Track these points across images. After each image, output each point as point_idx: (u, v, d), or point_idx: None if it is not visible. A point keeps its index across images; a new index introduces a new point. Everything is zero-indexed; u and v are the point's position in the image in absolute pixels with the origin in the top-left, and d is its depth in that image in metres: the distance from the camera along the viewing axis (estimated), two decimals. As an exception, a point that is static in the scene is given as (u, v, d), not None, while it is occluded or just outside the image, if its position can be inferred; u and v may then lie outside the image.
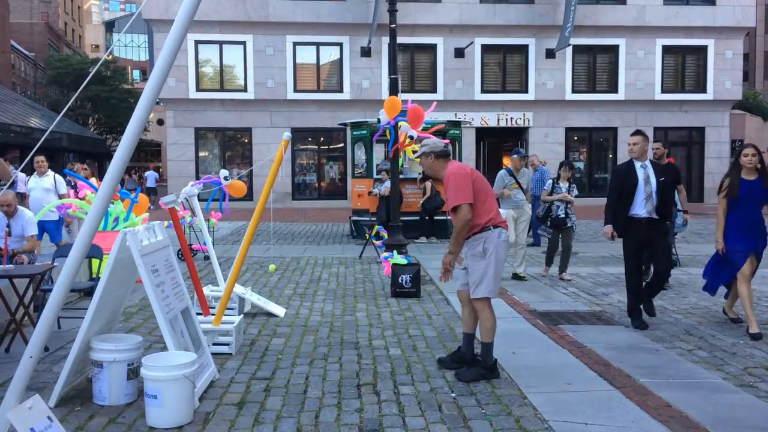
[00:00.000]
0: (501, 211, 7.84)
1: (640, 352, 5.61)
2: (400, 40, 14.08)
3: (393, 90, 10.85)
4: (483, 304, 4.87)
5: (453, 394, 4.55)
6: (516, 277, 9.06)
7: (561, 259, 9.21)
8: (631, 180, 6.40)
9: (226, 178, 7.57)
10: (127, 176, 36.58)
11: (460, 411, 4.25)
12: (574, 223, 9.29)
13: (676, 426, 3.97)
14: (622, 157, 25.26)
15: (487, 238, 4.81)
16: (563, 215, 9.13)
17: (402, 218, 13.38)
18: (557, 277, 9.17)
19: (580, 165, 26.03)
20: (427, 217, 13.68)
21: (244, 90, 24.40)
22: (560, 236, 9.21)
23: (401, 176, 13.76)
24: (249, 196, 23.05)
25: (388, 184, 12.25)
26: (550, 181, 9.39)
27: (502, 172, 9.26)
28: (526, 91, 25.05)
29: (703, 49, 25.55)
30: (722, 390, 4.67)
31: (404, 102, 10.20)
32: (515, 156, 9.11)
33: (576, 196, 9.32)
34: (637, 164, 6.50)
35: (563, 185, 9.27)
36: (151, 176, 28.24)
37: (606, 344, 5.80)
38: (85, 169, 11.56)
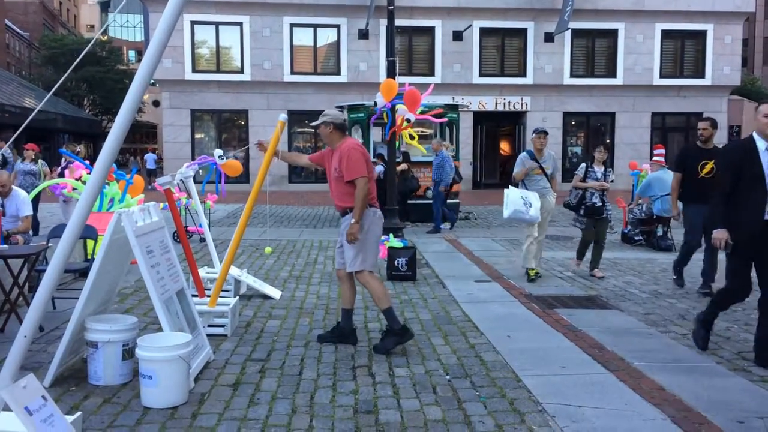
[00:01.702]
0: (534, 194, 7.64)
1: (635, 336, 5.63)
2: (398, 22, 13.96)
3: (390, 73, 10.79)
4: (365, 277, 5.16)
5: (447, 377, 4.56)
6: (529, 275, 7.94)
7: (593, 254, 8.29)
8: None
9: (220, 157, 7.53)
10: (132, 158, 36.70)
11: (454, 393, 4.26)
12: (609, 213, 8.27)
13: (669, 409, 3.99)
14: (619, 142, 25.27)
15: (363, 216, 5.09)
16: (599, 203, 8.08)
17: (413, 201, 13.34)
18: (588, 273, 8.24)
19: (578, 150, 26.01)
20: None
21: (241, 72, 24.24)
22: (594, 227, 8.19)
23: (414, 159, 13.70)
24: (245, 178, 22.99)
25: (381, 168, 12.21)
26: (583, 165, 8.28)
27: (522, 155, 8.04)
28: (525, 75, 24.94)
29: (702, 34, 25.45)
30: (716, 374, 4.70)
31: (401, 85, 10.16)
32: (533, 135, 7.92)
33: (611, 182, 8.27)
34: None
35: (598, 169, 8.16)
36: (150, 158, 28.39)
37: (601, 328, 5.82)
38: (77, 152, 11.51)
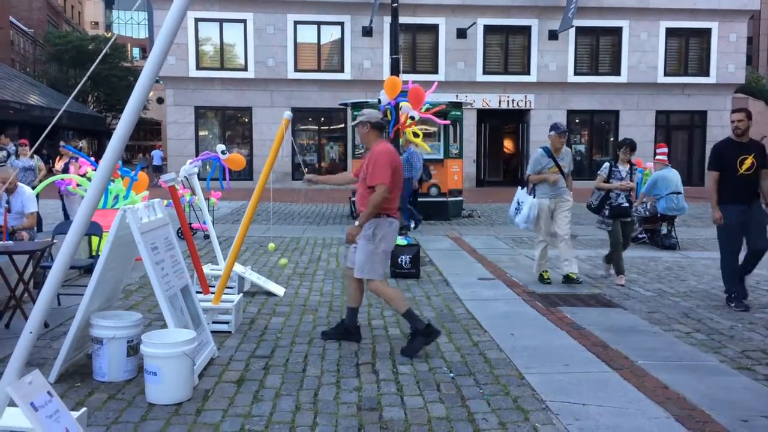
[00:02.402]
0: (532, 200, 7.44)
1: (638, 334, 5.63)
2: (402, 20, 13.96)
3: (394, 70, 10.78)
4: (376, 285, 5.07)
5: (451, 374, 4.57)
6: (568, 279, 7.58)
7: (608, 258, 7.92)
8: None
9: (223, 152, 7.55)
10: (141, 155, 37.06)
11: (458, 390, 4.27)
12: (635, 215, 7.99)
13: (672, 407, 3.99)
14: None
15: (378, 224, 4.99)
16: (626, 203, 7.63)
17: (423, 199, 13.27)
18: (615, 283, 7.68)
19: (581, 148, 25.96)
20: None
21: (245, 69, 24.26)
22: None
23: (426, 157, 13.59)
24: (249, 175, 23.04)
25: None
26: (607, 165, 7.77)
27: (538, 153, 7.61)
28: (529, 73, 24.90)
29: (706, 32, 25.37)
30: (719, 372, 4.69)
31: (405, 82, 10.14)
32: (553, 133, 7.46)
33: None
34: None
35: (623, 169, 7.69)
36: (156, 155, 28.63)
37: (604, 326, 5.82)
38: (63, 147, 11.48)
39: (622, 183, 7.58)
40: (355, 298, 5.36)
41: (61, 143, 11.35)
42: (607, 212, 7.62)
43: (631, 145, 7.74)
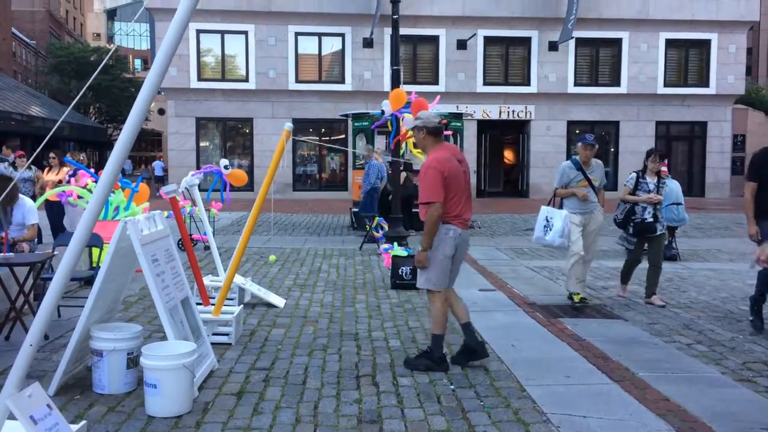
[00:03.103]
0: (561, 212, 6.81)
1: (639, 346, 5.61)
2: (403, 31, 13.99)
3: (395, 81, 10.81)
4: (431, 295, 4.97)
5: (452, 386, 4.56)
6: (573, 301, 7.07)
7: (648, 277, 7.23)
8: None
9: (226, 167, 7.56)
10: (143, 167, 37.32)
11: (458, 403, 4.26)
12: (664, 229, 7.32)
13: (674, 419, 3.98)
14: (624, 150, 25.26)
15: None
16: (651, 219, 6.99)
17: (417, 210, 13.38)
18: (644, 301, 7.23)
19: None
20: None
21: (246, 80, 24.35)
22: (645, 247, 7.23)
23: (418, 168, 13.73)
24: (250, 186, 23.05)
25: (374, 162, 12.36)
26: (633, 175, 7.18)
27: (565, 165, 7.07)
28: (529, 84, 24.98)
29: (706, 43, 25.47)
30: (721, 384, 4.68)
31: (408, 94, 10.17)
32: (579, 144, 7.03)
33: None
34: None
35: (651, 180, 7.07)
36: (158, 166, 28.84)
37: (605, 338, 5.81)
38: (53, 158, 11.40)
39: (649, 196, 6.99)
40: (458, 314, 5.10)
41: (51, 155, 11.27)
42: (631, 229, 7.08)
43: (660, 154, 7.20)
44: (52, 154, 11.23)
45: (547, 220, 6.93)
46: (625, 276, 7.52)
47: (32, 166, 11.43)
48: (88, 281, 6.60)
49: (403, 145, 10.61)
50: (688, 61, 25.69)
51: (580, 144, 7.01)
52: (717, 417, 4.03)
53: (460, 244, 4.93)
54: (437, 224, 4.79)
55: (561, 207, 7.01)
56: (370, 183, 12.57)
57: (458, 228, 4.88)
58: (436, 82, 24.39)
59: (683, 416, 4.05)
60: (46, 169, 11.15)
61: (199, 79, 24.25)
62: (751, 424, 3.95)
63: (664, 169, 10.84)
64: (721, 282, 8.60)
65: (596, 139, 7.13)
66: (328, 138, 25.17)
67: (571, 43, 24.31)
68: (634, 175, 7.18)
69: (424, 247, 4.85)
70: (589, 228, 6.97)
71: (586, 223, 6.95)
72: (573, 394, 4.41)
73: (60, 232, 9.85)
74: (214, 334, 5.47)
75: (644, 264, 7.31)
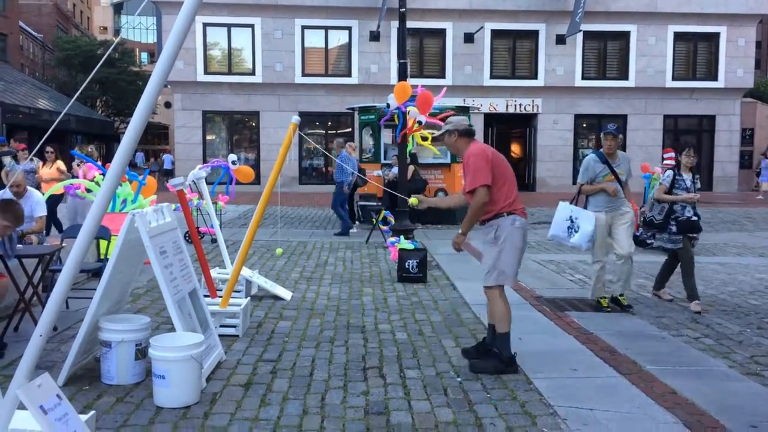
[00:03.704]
0: (589, 215, 6.32)
1: (647, 339, 5.60)
2: (410, 24, 13.97)
3: (402, 75, 10.80)
4: (494, 292, 4.72)
5: (459, 379, 4.56)
6: (616, 302, 6.64)
7: (686, 282, 6.76)
8: None
9: (234, 162, 7.57)
10: (153, 159, 37.70)
11: (465, 395, 4.26)
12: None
13: (681, 413, 3.97)
14: (631, 144, 25.17)
15: (499, 225, 4.67)
16: (695, 216, 6.69)
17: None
18: (651, 293, 7.20)
19: (588, 152, 25.87)
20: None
21: (252, 73, 24.33)
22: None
23: (424, 161, 13.81)
24: (257, 180, 23.06)
25: (395, 170, 12.26)
26: (670, 173, 6.78)
27: (589, 159, 6.64)
28: (536, 77, 24.89)
29: (715, 36, 25.31)
30: (728, 378, 4.67)
31: (413, 87, 10.15)
32: (603, 134, 6.63)
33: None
34: None
35: (687, 177, 6.72)
36: (167, 159, 29.07)
37: (612, 331, 5.80)
38: (50, 152, 11.37)
39: (689, 195, 6.63)
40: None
41: (48, 149, 11.21)
42: (674, 228, 6.69)
43: (695, 149, 6.87)
44: (50, 148, 11.17)
45: (572, 221, 6.42)
46: (663, 279, 7.19)
47: (34, 158, 11.45)
48: (97, 273, 6.63)
49: (410, 138, 10.58)
50: (696, 54, 25.54)
51: (603, 136, 6.60)
52: (724, 410, 4.02)
53: (526, 235, 4.80)
54: (482, 210, 4.65)
55: (585, 206, 6.55)
56: (341, 177, 12.49)
57: (522, 217, 4.75)
58: (443, 75, 24.33)
59: (691, 409, 4.04)
60: (42, 164, 11.14)
61: (206, 72, 24.26)
62: (759, 417, 3.94)
63: (671, 163, 10.84)
64: (729, 276, 8.57)
65: (619, 129, 6.69)
66: (334, 132, 25.15)
67: (579, 37, 24.19)
68: (671, 173, 6.78)
69: (463, 231, 4.77)
70: (620, 222, 6.48)
71: (613, 221, 6.48)
72: (580, 387, 4.40)
73: (52, 225, 9.92)
74: (221, 326, 5.49)
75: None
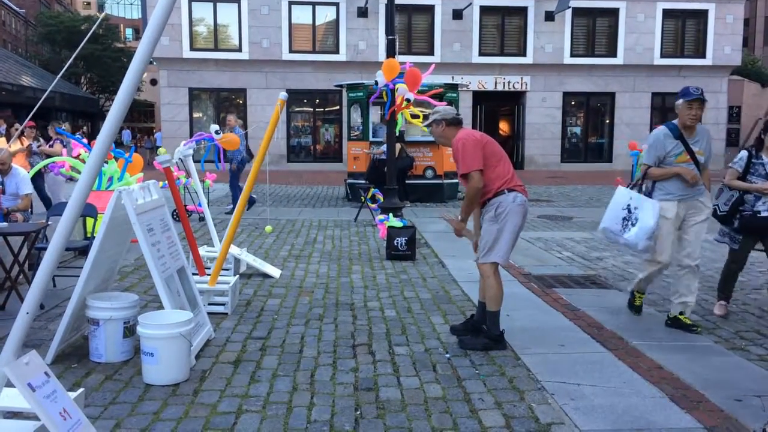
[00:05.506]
0: (653, 204, 5.05)
1: (633, 315, 5.65)
2: (398, 0, 13.84)
3: (390, 52, 10.71)
4: (489, 269, 4.68)
5: (447, 355, 4.59)
6: (677, 323, 5.19)
7: (723, 283, 5.80)
8: None
9: (217, 132, 7.51)
10: (146, 137, 37.59)
11: (454, 371, 4.29)
12: None
13: (667, 387, 4.02)
14: (619, 122, 25.20)
15: (500, 203, 4.60)
16: (766, 212, 5.33)
17: (412, 181, 13.56)
18: (715, 312, 5.72)
19: (577, 130, 25.92)
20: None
21: (239, 50, 24.07)
22: (752, 246, 5.63)
23: (412, 139, 13.80)
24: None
25: (384, 147, 12.20)
26: (744, 154, 5.50)
27: (659, 133, 5.18)
28: (525, 55, 24.78)
29: (703, 14, 25.27)
30: (714, 353, 4.73)
31: (402, 64, 10.09)
32: (681, 101, 5.10)
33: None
34: None
35: (767, 160, 5.43)
36: (159, 137, 29.08)
37: (599, 307, 5.85)
38: (30, 128, 11.17)
39: (764, 185, 5.32)
40: (484, 293, 4.84)
41: (29, 126, 10.95)
42: (736, 223, 5.47)
43: None
44: (31, 124, 10.93)
45: (630, 211, 5.16)
46: (725, 285, 5.76)
47: (39, 138, 11.33)
48: (83, 251, 6.58)
49: (399, 115, 10.54)
50: (684, 31, 25.50)
51: (682, 101, 5.09)
52: (709, 384, 4.08)
53: (526, 213, 4.73)
54: (478, 195, 4.61)
55: (651, 194, 5.20)
56: (238, 152, 11.66)
57: (523, 195, 4.70)
58: (431, 52, 24.16)
59: (676, 384, 4.09)
60: (20, 140, 10.93)
61: (192, 48, 23.95)
62: (743, 391, 4.00)
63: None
64: (714, 253, 8.64)
65: (703, 93, 5.16)
66: (322, 109, 24.99)
67: (568, 13, 24.08)
68: (745, 154, 5.49)
69: (462, 217, 4.78)
70: (694, 219, 5.10)
71: (687, 215, 5.11)
72: (567, 362, 4.44)
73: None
74: (210, 304, 5.48)
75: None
